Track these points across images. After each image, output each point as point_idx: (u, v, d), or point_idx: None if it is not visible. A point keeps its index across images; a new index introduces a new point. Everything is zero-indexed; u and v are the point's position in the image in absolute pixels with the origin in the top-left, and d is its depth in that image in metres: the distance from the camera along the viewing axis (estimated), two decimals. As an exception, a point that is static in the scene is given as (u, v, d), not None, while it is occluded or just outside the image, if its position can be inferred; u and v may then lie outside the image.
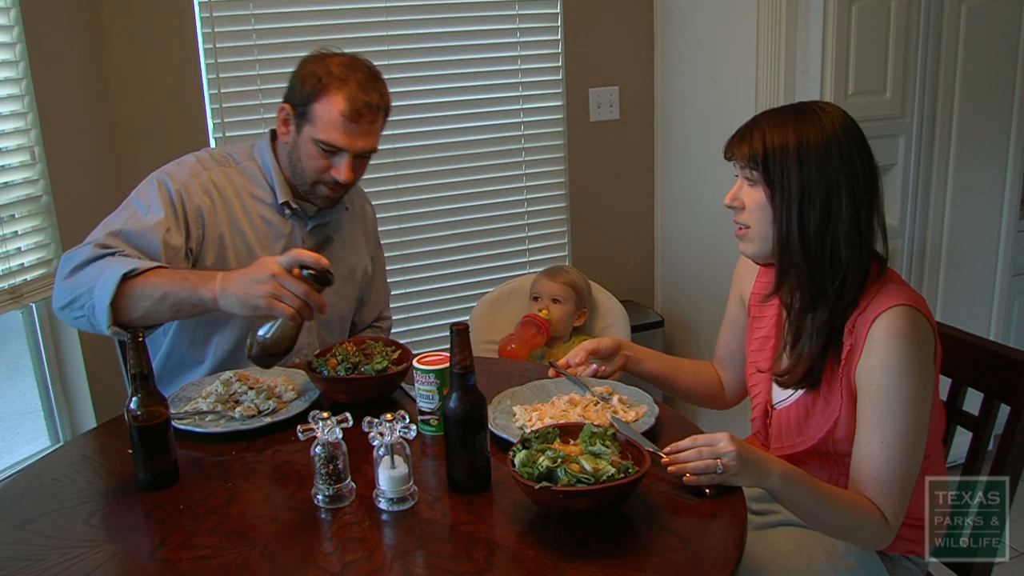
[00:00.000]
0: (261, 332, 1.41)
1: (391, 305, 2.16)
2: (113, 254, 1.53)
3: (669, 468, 1.22)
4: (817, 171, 1.28)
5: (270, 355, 1.43)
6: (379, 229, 2.67)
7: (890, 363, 1.26)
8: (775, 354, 1.47)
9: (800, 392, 1.41)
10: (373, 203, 2.65)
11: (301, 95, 1.64)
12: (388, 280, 2.92)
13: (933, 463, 1.43)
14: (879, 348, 1.27)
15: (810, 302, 1.34)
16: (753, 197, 1.33)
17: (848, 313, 1.33)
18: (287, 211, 1.72)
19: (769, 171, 1.30)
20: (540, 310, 2.28)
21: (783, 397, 1.45)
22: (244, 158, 1.75)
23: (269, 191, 1.72)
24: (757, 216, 1.33)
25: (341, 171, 1.64)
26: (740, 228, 1.37)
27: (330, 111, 1.61)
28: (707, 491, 1.20)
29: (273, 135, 1.75)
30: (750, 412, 1.56)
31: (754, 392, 1.52)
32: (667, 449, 1.24)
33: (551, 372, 1.58)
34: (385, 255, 2.68)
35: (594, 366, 1.56)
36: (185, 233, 1.62)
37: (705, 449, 1.21)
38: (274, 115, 2.45)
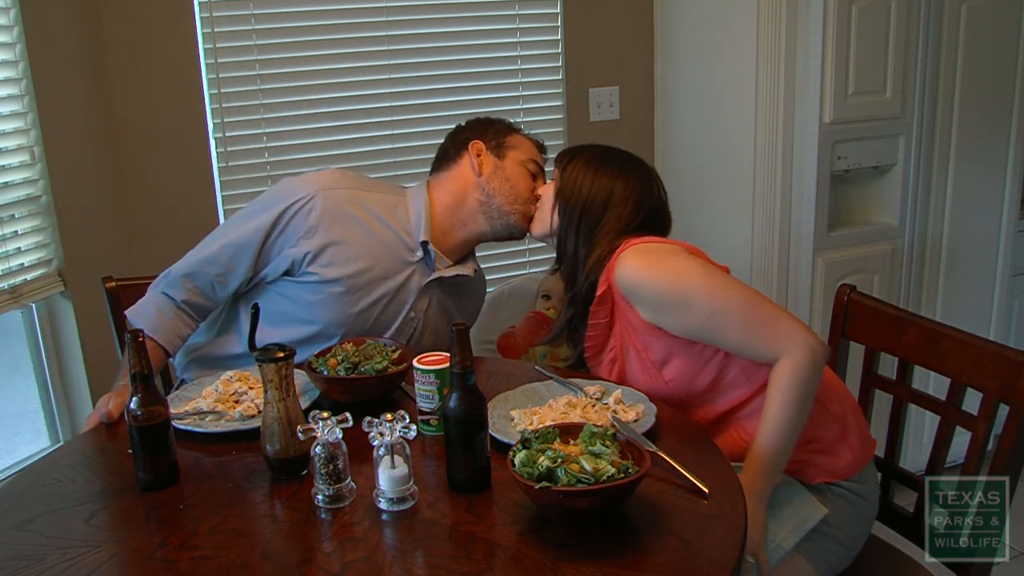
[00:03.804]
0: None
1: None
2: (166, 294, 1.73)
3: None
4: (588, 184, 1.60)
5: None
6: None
7: (646, 286, 1.44)
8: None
9: (601, 356, 1.59)
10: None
11: (493, 132, 1.81)
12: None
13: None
14: (633, 288, 1.46)
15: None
16: (545, 188, 1.69)
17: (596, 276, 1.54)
18: (419, 253, 1.74)
19: (562, 170, 1.63)
20: (548, 308, 2.28)
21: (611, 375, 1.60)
22: (391, 190, 1.82)
23: (405, 231, 1.74)
24: (546, 202, 1.66)
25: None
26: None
27: (525, 142, 1.83)
28: (706, 491, 1.20)
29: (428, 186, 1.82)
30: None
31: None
32: None
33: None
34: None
35: None
36: (284, 245, 1.69)
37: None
38: (274, 116, 2.50)
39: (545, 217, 1.65)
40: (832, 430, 1.49)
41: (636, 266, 1.45)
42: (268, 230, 1.68)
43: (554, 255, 1.67)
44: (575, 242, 1.59)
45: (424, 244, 1.73)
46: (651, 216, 1.60)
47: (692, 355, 1.47)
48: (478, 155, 1.77)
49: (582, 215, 1.58)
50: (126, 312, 1.74)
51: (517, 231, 1.79)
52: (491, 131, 1.81)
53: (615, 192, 1.57)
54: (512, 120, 1.88)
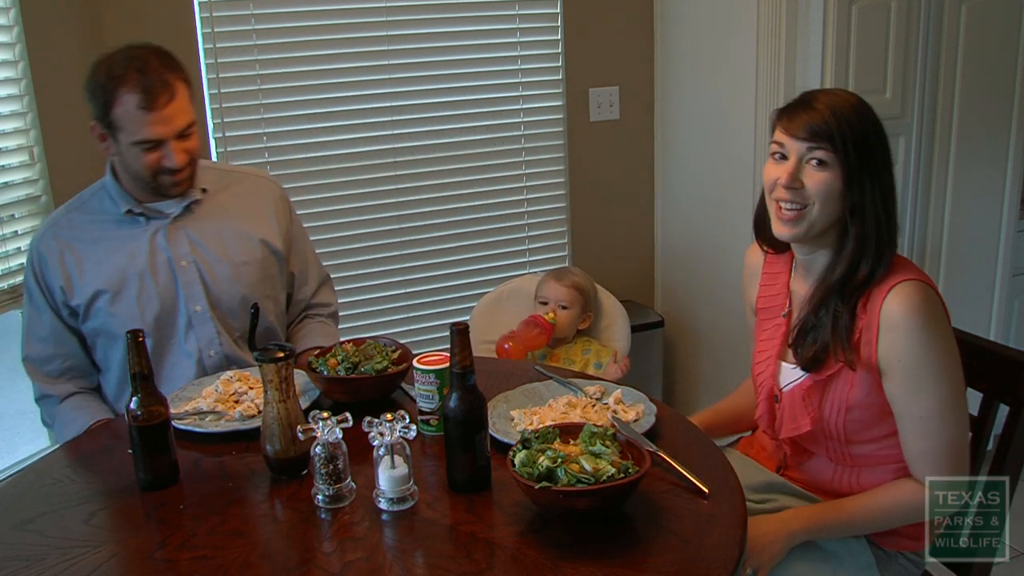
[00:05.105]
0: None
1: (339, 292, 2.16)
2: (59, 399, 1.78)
3: None
4: (881, 149, 1.37)
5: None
6: (379, 229, 2.69)
7: (911, 337, 1.29)
8: (785, 339, 1.47)
9: (805, 373, 1.41)
10: (372, 202, 2.67)
11: (98, 108, 1.65)
12: (387, 280, 2.89)
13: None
14: (897, 324, 1.29)
15: (850, 277, 1.34)
16: (816, 177, 1.33)
17: (862, 290, 1.34)
18: (141, 219, 1.75)
19: (847, 148, 1.32)
20: (547, 314, 2.27)
21: (791, 379, 1.44)
22: (92, 191, 1.81)
23: (113, 207, 1.75)
24: (822, 196, 1.33)
25: (172, 158, 1.66)
26: (795, 209, 1.35)
27: (128, 112, 1.61)
28: (706, 491, 1.20)
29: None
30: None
31: (759, 382, 1.52)
32: None
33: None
34: (375, 254, 2.69)
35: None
36: (54, 297, 1.73)
37: None
38: (274, 116, 2.50)
39: (821, 213, 1.34)
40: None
41: (915, 317, 1.28)
42: (47, 302, 1.74)
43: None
44: (874, 198, 1.36)
45: (128, 212, 1.74)
46: None
47: (883, 413, 1.36)
48: (102, 138, 1.69)
49: (870, 159, 1.34)
50: (59, 443, 1.76)
51: (168, 194, 1.74)
52: (98, 101, 1.65)
53: (880, 127, 1.35)
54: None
